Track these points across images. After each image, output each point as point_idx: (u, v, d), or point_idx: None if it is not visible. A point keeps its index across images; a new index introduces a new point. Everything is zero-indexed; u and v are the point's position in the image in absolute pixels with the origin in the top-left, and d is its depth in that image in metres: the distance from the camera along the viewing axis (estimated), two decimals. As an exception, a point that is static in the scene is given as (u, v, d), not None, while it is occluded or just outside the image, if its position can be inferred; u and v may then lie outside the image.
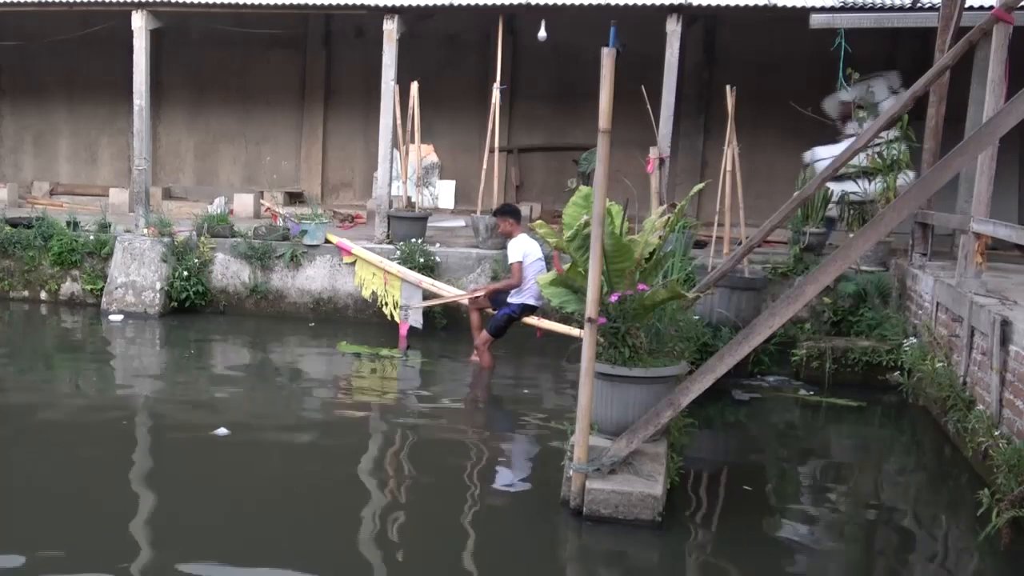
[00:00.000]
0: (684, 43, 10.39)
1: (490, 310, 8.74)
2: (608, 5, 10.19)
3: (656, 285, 5.60)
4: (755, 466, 6.67)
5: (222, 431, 6.53)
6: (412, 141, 10.88)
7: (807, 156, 10.99)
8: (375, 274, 10.19)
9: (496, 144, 11.10)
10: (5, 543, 4.76)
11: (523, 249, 8.39)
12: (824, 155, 10.54)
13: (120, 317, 10.29)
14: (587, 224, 5.24)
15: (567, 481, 5.29)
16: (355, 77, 14.42)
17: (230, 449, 6.37)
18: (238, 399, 7.70)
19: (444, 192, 13.80)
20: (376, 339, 9.56)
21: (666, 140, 10.15)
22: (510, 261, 8.49)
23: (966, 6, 8.72)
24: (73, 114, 15.50)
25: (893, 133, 10.17)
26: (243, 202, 13.37)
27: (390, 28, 10.62)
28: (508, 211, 8.90)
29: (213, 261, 10.73)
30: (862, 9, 9.92)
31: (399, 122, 10.78)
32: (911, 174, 9.62)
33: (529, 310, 8.57)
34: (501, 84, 11.08)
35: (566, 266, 5.69)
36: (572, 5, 10.33)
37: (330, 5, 10.98)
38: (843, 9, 9.91)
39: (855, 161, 10.12)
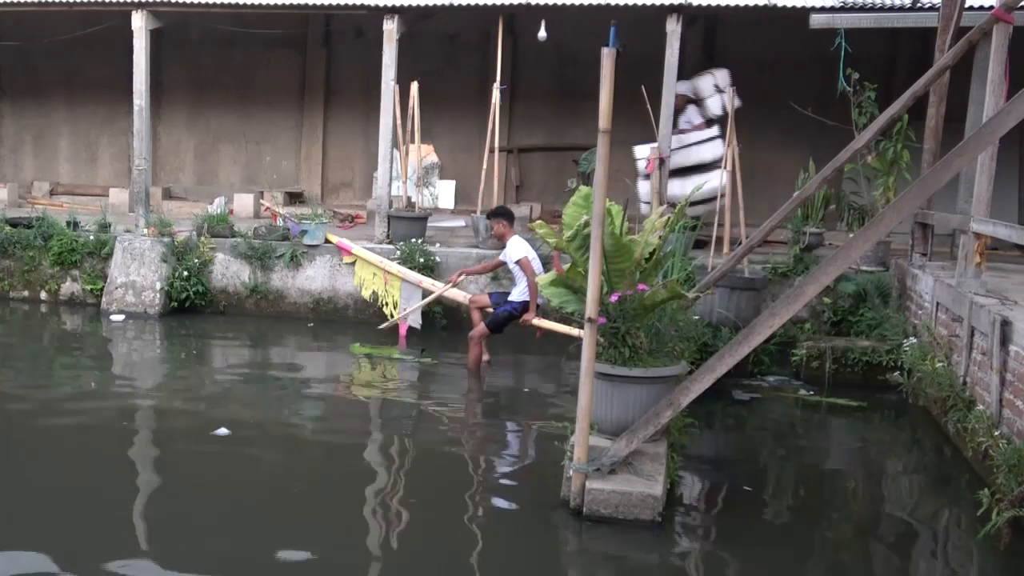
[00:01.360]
0: (684, 43, 10.38)
1: (490, 309, 8.73)
2: (608, 5, 10.19)
3: (656, 285, 5.60)
4: (755, 466, 6.68)
5: (223, 431, 6.54)
6: (412, 141, 10.88)
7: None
8: (375, 274, 10.19)
9: (496, 144, 11.09)
10: (4, 543, 4.76)
11: (526, 246, 8.38)
12: (639, 155, 10.51)
13: (120, 317, 10.29)
14: (587, 224, 5.24)
15: (567, 481, 5.30)
16: (355, 77, 14.41)
17: (231, 449, 6.37)
18: (238, 399, 7.70)
19: (444, 192, 13.79)
20: (377, 339, 9.54)
21: (666, 140, 10.16)
22: (516, 258, 8.29)
23: (966, 6, 8.72)
24: (73, 114, 15.49)
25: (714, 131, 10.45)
26: (243, 202, 13.37)
27: (390, 28, 10.62)
28: (502, 213, 8.86)
29: (213, 261, 10.73)
30: (862, 9, 9.92)
31: (399, 122, 10.78)
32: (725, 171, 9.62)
33: (530, 309, 8.56)
34: (501, 84, 11.07)
35: (566, 266, 5.70)
36: (572, 5, 10.32)
37: (330, 5, 10.97)
38: (843, 9, 9.90)
39: (698, 158, 10.41)
